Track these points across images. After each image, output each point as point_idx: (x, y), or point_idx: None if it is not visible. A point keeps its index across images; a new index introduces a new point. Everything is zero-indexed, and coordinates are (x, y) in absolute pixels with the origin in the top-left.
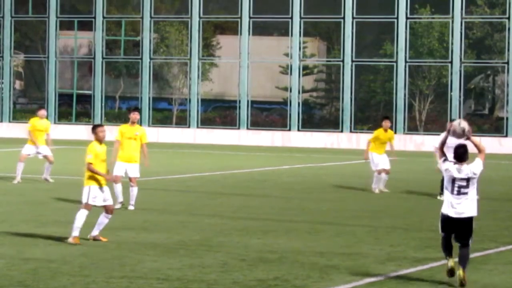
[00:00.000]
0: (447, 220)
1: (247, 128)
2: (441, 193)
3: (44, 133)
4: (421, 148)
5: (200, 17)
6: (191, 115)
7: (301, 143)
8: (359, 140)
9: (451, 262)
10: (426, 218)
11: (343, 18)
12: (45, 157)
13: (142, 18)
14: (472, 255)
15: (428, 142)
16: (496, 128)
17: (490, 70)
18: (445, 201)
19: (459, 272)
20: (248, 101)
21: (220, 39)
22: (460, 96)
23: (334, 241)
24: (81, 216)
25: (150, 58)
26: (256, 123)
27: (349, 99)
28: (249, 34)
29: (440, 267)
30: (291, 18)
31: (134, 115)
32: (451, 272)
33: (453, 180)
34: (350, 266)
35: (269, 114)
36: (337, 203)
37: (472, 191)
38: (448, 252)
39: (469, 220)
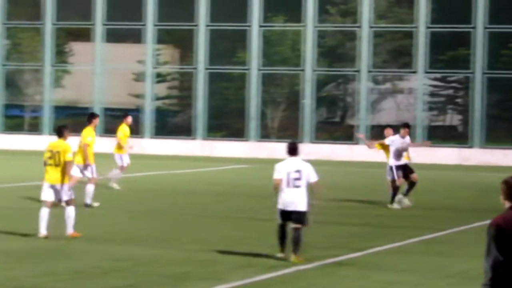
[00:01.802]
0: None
1: (101, 135)
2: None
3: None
4: (274, 155)
5: (53, 24)
6: (44, 122)
7: (154, 150)
8: (212, 148)
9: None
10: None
11: (197, 25)
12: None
13: None
14: (325, 262)
15: (281, 149)
16: (348, 136)
17: (342, 78)
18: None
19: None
20: (101, 108)
21: (74, 45)
22: (312, 104)
23: (188, 248)
24: None
25: (2, 65)
26: (109, 130)
27: (202, 106)
28: (102, 41)
29: (294, 273)
30: (145, 25)
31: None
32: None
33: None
34: (204, 273)
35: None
36: (191, 210)
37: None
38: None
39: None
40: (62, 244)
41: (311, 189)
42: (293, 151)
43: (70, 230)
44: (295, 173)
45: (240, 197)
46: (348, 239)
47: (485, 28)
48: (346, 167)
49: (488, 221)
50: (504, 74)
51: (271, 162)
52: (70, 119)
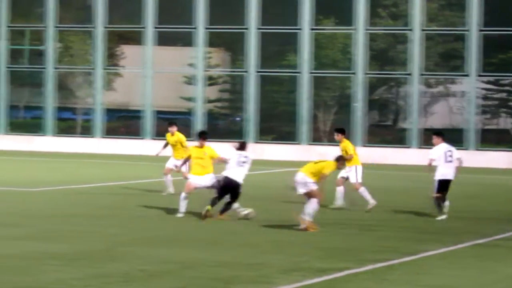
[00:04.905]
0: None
1: (152, 138)
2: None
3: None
4: (325, 159)
5: (104, 27)
6: (95, 125)
7: None
8: (263, 151)
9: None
10: (328, 228)
11: (247, 28)
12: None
13: (46, 27)
14: (375, 265)
15: (332, 153)
16: (399, 139)
17: (393, 81)
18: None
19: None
20: (152, 111)
21: (124, 48)
22: (363, 107)
23: (237, 252)
24: None
25: (54, 68)
26: (160, 133)
27: (253, 109)
28: (153, 44)
29: (345, 277)
30: (195, 28)
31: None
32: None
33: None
34: (254, 277)
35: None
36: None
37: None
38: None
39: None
40: (112, 247)
41: None
42: (242, 146)
43: (307, 218)
44: (244, 157)
45: (289, 201)
46: (399, 243)
47: None
48: (398, 171)
49: None
50: None
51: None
52: (121, 121)
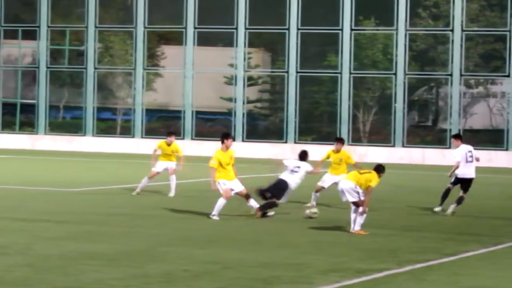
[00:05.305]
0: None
1: (192, 138)
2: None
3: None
4: (365, 159)
5: (144, 27)
6: (135, 125)
7: (245, 153)
8: None
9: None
10: (368, 229)
11: (288, 29)
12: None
13: (86, 27)
14: (414, 266)
15: (372, 153)
16: (439, 140)
17: (434, 82)
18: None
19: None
20: (192, 111)
21: (165, 49)
22: (404, 108)
23: (277, 252)
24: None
25: (95, 68)
26: (200, 133)
27: (293, 110)
28: (193, 44)
29: (384, 278)
30: (236, 28)
31: (229, 142)
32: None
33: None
34: (293, 277)
35: (213, 125)
36: (280, 215)
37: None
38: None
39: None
40: (152, 247)
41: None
42: (302, 156)
43: (357, 227)
44: (297, 168)
45: (330, 203)
46: (438, 244)
47: None
48: (438, 171)
49: None
50: None
51: (363, 167)
52: (161, 122)
